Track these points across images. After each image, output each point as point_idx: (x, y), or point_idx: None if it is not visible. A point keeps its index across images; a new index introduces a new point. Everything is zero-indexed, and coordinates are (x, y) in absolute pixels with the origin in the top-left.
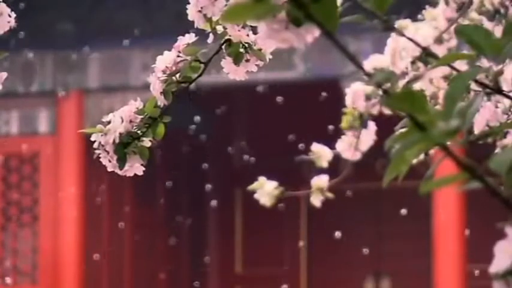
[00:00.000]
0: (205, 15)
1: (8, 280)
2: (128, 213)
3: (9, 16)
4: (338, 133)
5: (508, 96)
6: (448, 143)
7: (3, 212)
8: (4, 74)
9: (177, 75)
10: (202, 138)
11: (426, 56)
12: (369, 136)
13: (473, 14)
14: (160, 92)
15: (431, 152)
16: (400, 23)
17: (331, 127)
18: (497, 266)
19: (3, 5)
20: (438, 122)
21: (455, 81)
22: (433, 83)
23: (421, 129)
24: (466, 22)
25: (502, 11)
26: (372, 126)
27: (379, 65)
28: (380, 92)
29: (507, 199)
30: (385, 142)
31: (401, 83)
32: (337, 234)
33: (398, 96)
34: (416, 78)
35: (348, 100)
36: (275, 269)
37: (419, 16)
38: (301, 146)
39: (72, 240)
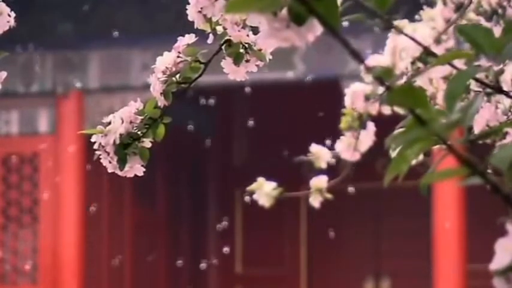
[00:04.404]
0: (205, 16)
1: (8, 280)
2: (128, 213)
3: (9, 16)
4: (337, 133)
5: (508, 96)
6: (449, 139)
7: (3, 212)
8: (4, 73)
9: (177, 76)
10: (202, 138)
11: (426, 55)
12: (368, 137)
13: (471, 15)
14: (161, 93)
15: (432, 150)
16: (397, 24)
17: (330, 127)
18: (497, 263)
19: (3, 4)
20: (439, 117)
21: (455, 79)
22: (432, 83)
23: (422, 124)
24: (464, 22)
25: (500, 11)
26: (371, 126)
27: (378, 65)
28: (380, 91)
29: (508, 196)
30: (385, 141)
31: (401, 82)
32: (337, 234)
33: (400, 91)
34: (414, 76)
35: (347, 100)
36: (275, 269)
37: (416, 16)
38: (300, 146)
39: (72, 240)
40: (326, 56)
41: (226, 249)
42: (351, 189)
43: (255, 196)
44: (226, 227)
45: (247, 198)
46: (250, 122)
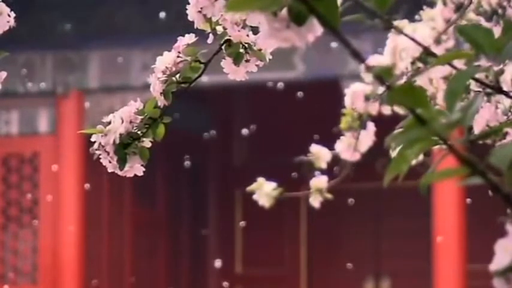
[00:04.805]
0: (205, 16)
1: (8, 280)
2: (128, 213)
3: (9, 16)
4: (338, 134)
5: (508, 96)
6: (449, 139)
7: (3, 212)
8: (4, 73)
9: (177, 76)
10: (202, 138)
11: (426, 55)
12: (368, 137)
13: (471, 15)
14: (160, 93)
15: (432, 150)
16: (397, 24)
17: (330, 127)
18: (497, 263)
19: (3, 4)
20: (439, 117)
21: (455, 79)
22: (432, 83)
23: (422, 124)
24: (464, 23)
25: (500, 11)
26: (371, 126)
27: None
28: (380, 90)
29: (508, 195)
30: (385, 140)
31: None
32: (337, 234)
33: (400, 90)
34: (414, 75)
35: (347, 100)
36: (275, 269)
37: (416, 16)
38: (300, 146)
39: (72, 240)
40: (326, 56)
41: (226, 249)
42: (350, 200)
43: (255, 196)
44: (226, 227)
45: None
46: (250, 122)
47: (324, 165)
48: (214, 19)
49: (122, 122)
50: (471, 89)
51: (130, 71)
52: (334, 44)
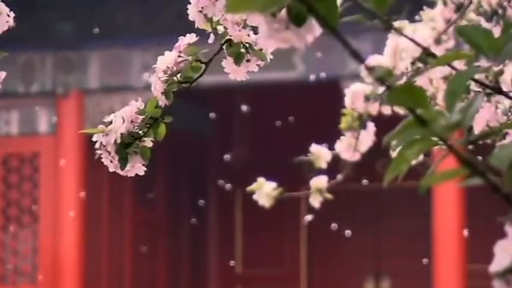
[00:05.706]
0: (206, 15)
1: (8, 280)
2: (128, 213)
3: (8, 16)
4: (337, 133)
5: (508, 97)
6: (449, 140)
7: (3, 212)
8: (3, 74)
9: (178, 76)
10: (202, 138)
11: (426, 56)
12: (368, 137)
13: (471, 15)
14: (162, 92)
15: (432, 150)
16: (398, 24)
17: (330, 127)
18: (497, 264)
19: (3, 4)
20: (439, 118)
21: (455, 79)
22: (432, 83)
23: (422, 124)
24: (464, 23)
25: (500, 11)
26: (371, 127)
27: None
28: (380, 91)
29: (508, 195)
30: (384, 139)
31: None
32: (337, 234)
33: (400, 90)
34: (414, 76)
35: (347, 101)
36: (275, 269)
37: (416, 17)
38: (300, 146)
39: (72, 240)
40: (326, 56)
41: (226, 249)
42: (333, 225)
43: (255, 196)
44: (226, 227)
45: None
46: (250, 122)
47: (324, 165)
48: (215, 19)
49: (123, 121)
50: (471, 89)
51: (130, 71)
52: (334, 44)
